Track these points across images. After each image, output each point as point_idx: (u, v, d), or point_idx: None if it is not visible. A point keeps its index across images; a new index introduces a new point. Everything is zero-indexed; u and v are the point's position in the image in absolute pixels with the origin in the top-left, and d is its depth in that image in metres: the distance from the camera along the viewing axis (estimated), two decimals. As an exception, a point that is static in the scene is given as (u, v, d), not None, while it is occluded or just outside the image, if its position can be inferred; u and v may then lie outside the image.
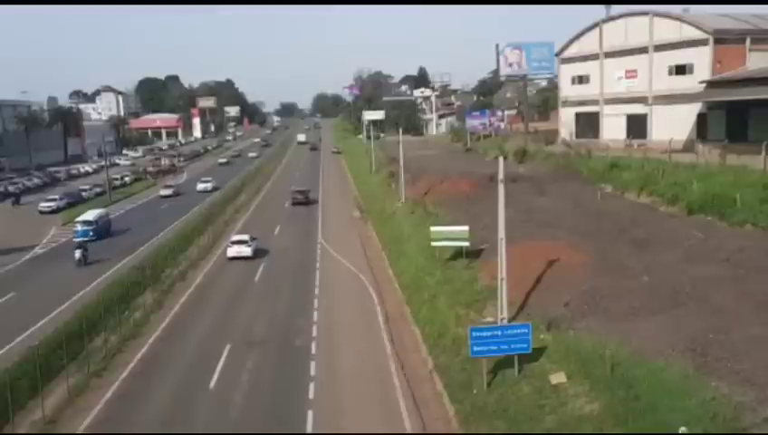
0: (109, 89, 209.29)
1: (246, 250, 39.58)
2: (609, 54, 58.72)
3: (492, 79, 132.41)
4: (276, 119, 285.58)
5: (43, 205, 60.47)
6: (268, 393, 21.33)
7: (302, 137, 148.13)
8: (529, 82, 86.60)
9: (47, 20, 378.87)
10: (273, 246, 43.46)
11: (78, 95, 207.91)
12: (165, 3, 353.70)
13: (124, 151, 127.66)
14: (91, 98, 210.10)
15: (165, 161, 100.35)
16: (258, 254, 40.30)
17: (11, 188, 72.28)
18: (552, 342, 19.52)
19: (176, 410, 20.35)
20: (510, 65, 73.87)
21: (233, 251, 39.72)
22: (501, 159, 20.33)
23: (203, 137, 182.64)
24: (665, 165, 38.87)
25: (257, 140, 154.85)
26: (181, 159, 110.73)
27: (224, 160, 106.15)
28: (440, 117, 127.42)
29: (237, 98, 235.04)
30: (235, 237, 41.43)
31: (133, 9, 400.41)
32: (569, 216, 34.61)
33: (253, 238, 41.05)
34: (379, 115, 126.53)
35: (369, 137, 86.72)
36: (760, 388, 14.73)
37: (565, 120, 65.05)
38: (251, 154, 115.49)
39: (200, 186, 73.04)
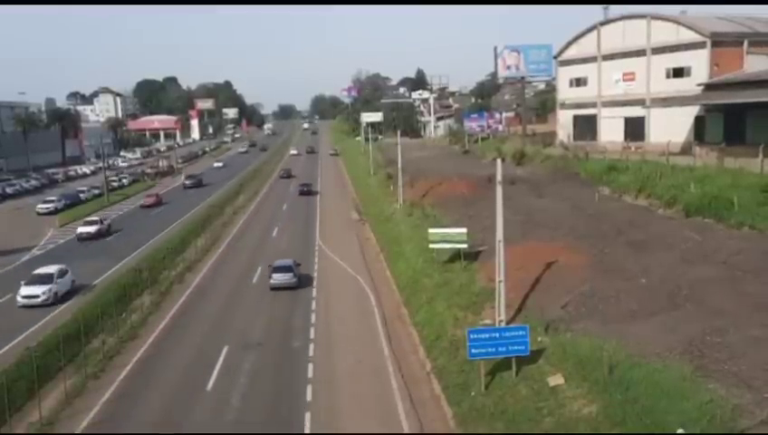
0: (107, 90, 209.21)
1: (295, 151, 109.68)
2: (607, 57, 58.77)
3: (490, 81, 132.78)
4: (267, 126, 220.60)
5: (41, 206, 60.39)
6: (266, 395, 21.30)
7: (305, 125, 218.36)
8: (527, 84, 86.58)
9: (45, 20, 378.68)
10: (271, 248, 43.45)
11: (76, 96, 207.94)
12: (164, 3, 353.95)
13: (122, 153, 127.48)
14: (89, 99, 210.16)
15: (162, 163, 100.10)
16: (256, 255, 40.45)
17: (8, 190, 72.18)
18: (549, 344, 19.53)
19: (173, 412, 20.29)
20: (508, 67, 73.83)
21: (294, 151, 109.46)
22: (499, 161, 20.43)
23: (201, 138, 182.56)
24: (662, 167, 38.87)
25: (218, 164, 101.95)
26: (179, 160, 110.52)
27: (86, 230, 48.10)
28: (438, 119, 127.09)
29: (236, 99, 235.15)
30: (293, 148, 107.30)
31: (132, 9, 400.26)
32: (567, 217, 34.60)
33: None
34: (377, 117, 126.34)
35: (367, 139, 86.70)
36: (757, 390, 14.74)
37: (563, 123, 65.09)
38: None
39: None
